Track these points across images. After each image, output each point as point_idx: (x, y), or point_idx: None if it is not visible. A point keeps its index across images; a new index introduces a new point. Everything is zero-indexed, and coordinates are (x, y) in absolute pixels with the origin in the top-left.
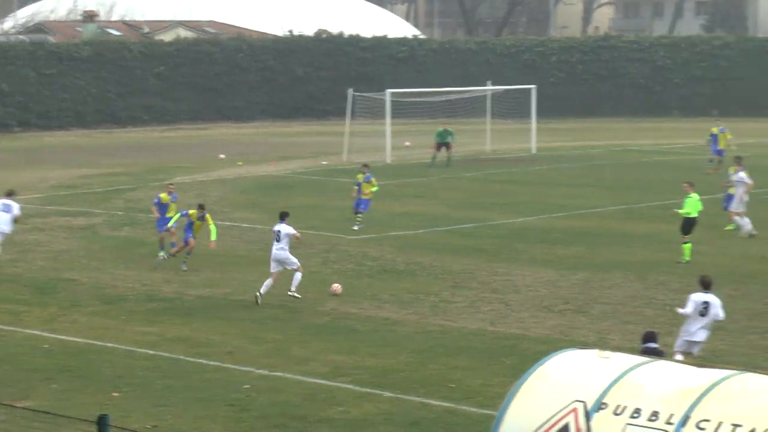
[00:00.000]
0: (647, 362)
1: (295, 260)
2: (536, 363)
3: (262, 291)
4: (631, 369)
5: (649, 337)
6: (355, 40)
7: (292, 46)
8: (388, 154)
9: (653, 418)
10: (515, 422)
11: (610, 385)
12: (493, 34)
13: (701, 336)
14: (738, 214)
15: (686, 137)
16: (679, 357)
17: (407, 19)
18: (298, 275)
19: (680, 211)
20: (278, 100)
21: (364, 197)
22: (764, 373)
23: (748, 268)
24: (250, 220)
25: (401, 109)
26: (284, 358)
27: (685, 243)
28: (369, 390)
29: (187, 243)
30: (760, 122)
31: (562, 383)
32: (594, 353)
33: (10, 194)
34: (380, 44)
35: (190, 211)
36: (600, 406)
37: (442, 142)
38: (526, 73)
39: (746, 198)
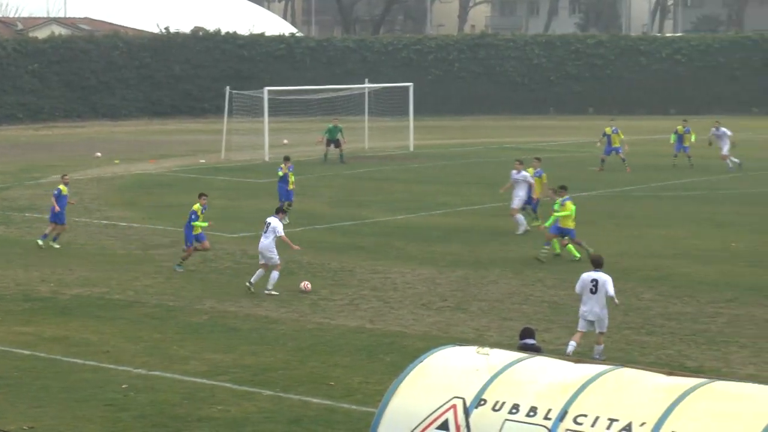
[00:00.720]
0: (525, 358)
1: (276, 257)
2: (415, 360)
3: (252, 281)
4: (510, 365)
5: (527, 333)
6: (233, 38)
7: (169, 44)
8: (267, 152)
9: (531, 413)
10: (395, 419)
11: (489, 382)
12: (370, 32)
13: (594, 314)
14: (517, 212)
15: (562, 135)
16: (572, 343)
17: (284, 17)
18: (275, 274)
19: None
20: (155, 98)
21: (291, 188)
22: (640, 368)
23: (623, 265)
24: (128, 219)
25: (279, 107)
26: (162, 357)
27: (565, 244)
28: (248, 388)
29: (199, 245)
30: (634, 120)
31: (441, 380)
32: (473, 350)
33: None
34: (257, 42)
35: (195, 206)
36: (479, 402)
37: (332, 139)
38: (404, 71)
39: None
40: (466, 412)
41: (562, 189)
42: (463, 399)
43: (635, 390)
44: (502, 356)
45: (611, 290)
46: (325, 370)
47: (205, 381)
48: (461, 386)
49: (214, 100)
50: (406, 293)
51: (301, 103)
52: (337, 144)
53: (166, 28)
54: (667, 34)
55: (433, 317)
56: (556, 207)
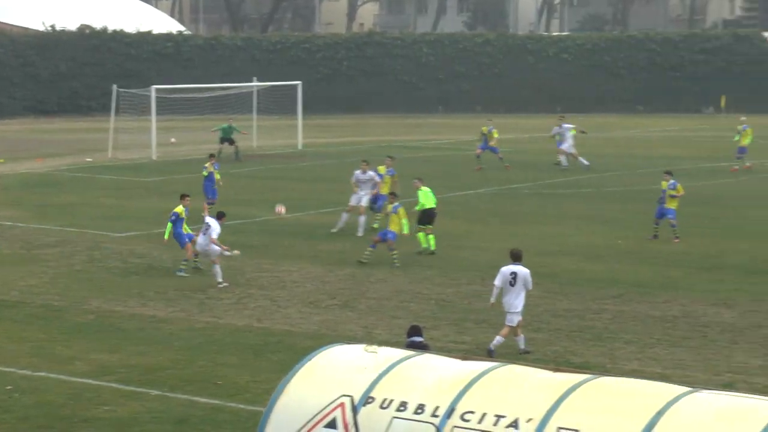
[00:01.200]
0: (413, 356)
1: (215, 250)
2: (303, 358)
3: (219, 279)
4: (398, 363)
5: (415, 331)
6: (120, 36)
7: (54, 42)
8: (154, 150)
9: (419, 410)
10: (283, 418)
11: (377, 379)
12: (259, 30)
13: (516, 306)
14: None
15: (451, 133)
16: (519, 338)
17: (172, 14)
18: (217, 267)
19: (417, 207)
20: (41, 96)
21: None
22: (527, 365)
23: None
24: (13, 218)
25: (167, 106)
26: (47, 358)
27: (428, 234)
28: (135, 388)
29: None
30: (522, 118)
31: (329, 378)
32: (361, 348)
33: None
34: (145, 40)
35: (177, 209)
36: (367, 400)
37: (226, 138)
38: (293, 70)
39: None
40: (354, 410)
41: (393, 195)
42: (351, 397)
43: (522, 386)
44: (390, 354)
45: (530, 283)
46: (212, 370)
47: (91, 381)
48: (349, 384)
49: (101, 98)
50: (293, 292)
51: (189, 101)
52: (232, 142)
53: (52, 26)
54: (554, 33)
55: (321, 315)
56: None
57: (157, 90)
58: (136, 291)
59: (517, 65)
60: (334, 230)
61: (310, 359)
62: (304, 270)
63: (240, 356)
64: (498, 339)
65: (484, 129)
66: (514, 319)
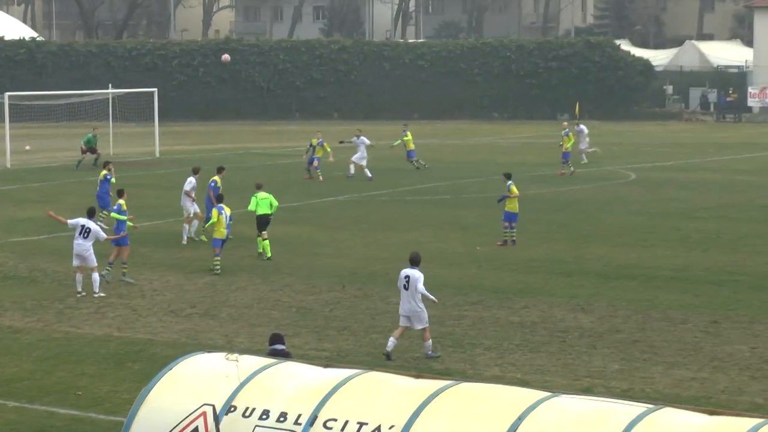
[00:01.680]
0: (275, 364)
1: (93, 260)
2: (164, 367)
3: (79, 288)
4: (260, 371)
5: (276, 338)
6: None
7: None
8: (8, 158)
9: (282, 419)
10: (144, 428)
11: (239, 388)
12: (113, 36)
13: (408, 309)
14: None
15: (309, 140)
16: (391, 339)
17: (24, 20)
18: (96, 276)
19: (249, 208)
20: None
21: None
22: (388, 372)
23: (369, 270)
24: None
25: (21, 113)
26: None
27: (264, 239)
28: None
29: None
30: (379, 125)
31: (191, 387)
32: (222, 356)
33: None
34: None
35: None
36: (229, 408)
37: (89, 147)
38: (148, 76)
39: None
40: (216, 419)
41: (219, 197)
42: (213, 406)
43: (384, 393)
44: (252, 362)
45: (421, 287)
46: (72, 380)
47: None
48: (211, 393)
49: None
50: (153, 300)
51: (43, 108)
52: (93, 151)
53: None
54: (410, 41)
55: (181, 324)
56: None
57: (11, 97)
58: None
59: (373, 72)
60: (183, 242)
61: (171, 368)
62: (163, 278)
63: (100, 366)
64: (391, 341)
65: (314, 141)
66: (408, 322)
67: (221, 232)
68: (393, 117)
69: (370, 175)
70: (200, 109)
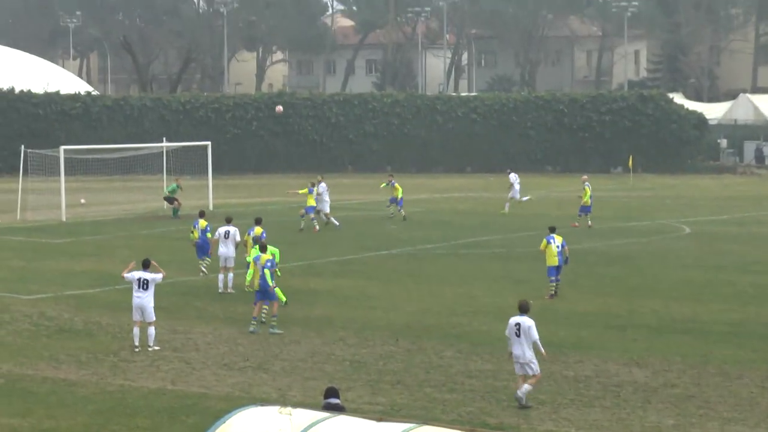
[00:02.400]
0: (328, 417)
1: (152, 313)
2: (218, 421)
3: (136, 342)
4: (313, 425)
5: (331, 392)
6: (27, 96)
7: None
8: (63, 211)
9: None
10: None
11: None
12: (167, 90)
13: (523, 357)
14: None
15: (362, 193)
16: (524, 386)
17: (80, 75)
18: (153, 330)
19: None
20: None
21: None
22: (440, 426)
23: (423, 323)
24: None
25: (76, 166)
26: None
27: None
28: None
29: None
30: (432, 178)
31: None
32: (275, 410)
33: None
34: (52, 100)
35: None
36: None
37: (171, 197)
38: (202, 130)
39: None
40: None
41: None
42: None
43: None
44: (305, 416)
45: (535, 334)
46: None
47: None
48: None
49: (8, 159)
50: (207, 353)
51: (98, 162)
52: (172, 201)
53: None
54: (463, 94)
55: (235, 377)
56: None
57: (66, 150)
58: (47, 354)
59: (426, 125)
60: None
61: (224, 422)
62: (217, 331)
63: (154, 419)
64: (525, 387)
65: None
66: (523, 370)
67: (256, 283)
68: (446, 170)
69: (337, 223)
70: (253, 162)
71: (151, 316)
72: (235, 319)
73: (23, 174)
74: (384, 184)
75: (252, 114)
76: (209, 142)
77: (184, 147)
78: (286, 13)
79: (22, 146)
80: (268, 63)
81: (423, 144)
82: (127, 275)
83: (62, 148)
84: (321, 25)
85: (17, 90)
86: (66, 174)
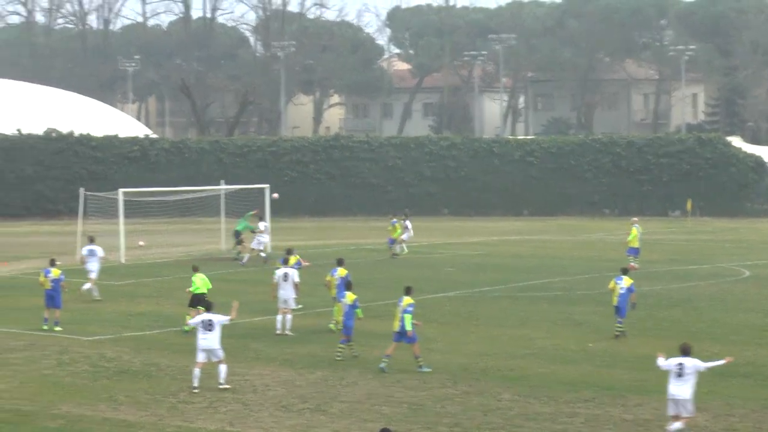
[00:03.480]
0: None
1: (221, 351)
2: None
3: (195, 384)
4: None
5: None
6: (86, 139)
7: (20, 145)
8: (122, 254)
9: None
10: None
11: None
12: (225, 133)
13: (680, 395)
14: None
15: (419, 236)
16: (675, 424)
17: (138, 118)
18: (225, 367)
19: (190, 289)
20: (7, 199)
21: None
22: None
23: (481, 366)
24: None
25: (134, 209)
26: None
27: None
28: None
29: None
30: (489, 221)
31: None
32: None
33: None
34: (111, 143)
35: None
36: None
37: (240, 233)
38: (259, 173)
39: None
40: None
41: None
42: None
43: None
44: None
45: (701, 365)
46: None
47: None
48: None
49: (68, 201)
50: (265, 395)
51: (156, 204)
52: (238, 237)
53: (18, 130)
54: (519, 137)
55: (293, 419)
56: None
57: (125, 193)
58: (106, 395)
59: (483, 168)
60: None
61: None
62: (275, 373)
63: None
64: (676, 425)
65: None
66: (677, 409)
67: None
68: (503, 213)
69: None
70: (310, 204)
71: (220, 354)
72: (292, 360)
73: (83, 216)
74: (394, 225)
75: (309, 157)
76: (267, 185)
77: (241, 190)
78: (342, 57)
79: (82, 189)
80: (325, 106)
81: (480, 187)
82: (192, 322)
83: (121, 190)
84: (377, 69)
85: (77, 133)
86: (125, 216)
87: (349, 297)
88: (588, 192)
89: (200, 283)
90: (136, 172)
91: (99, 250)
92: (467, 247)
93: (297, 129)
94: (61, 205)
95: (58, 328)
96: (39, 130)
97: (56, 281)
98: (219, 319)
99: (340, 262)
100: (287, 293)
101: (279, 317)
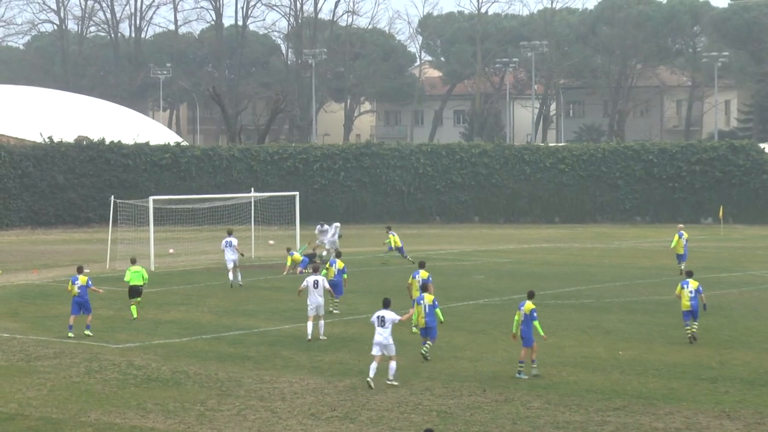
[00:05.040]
0: None
1: (393, 347)
2: None
3: (371, 375)
4: None
5: None
6: (117, 147)
7: (51, 153)
8: (152, 261)
9: None
10: None
11: None
12: (256, 141)
13: None
14: None
15: (448, 243)
16: None
17: (169, 126)
18: (395, 364)
19: (125, 279)
20: (38, 207)
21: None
22: None
23: (511, 373)
24: (11, 330)
25: (165, 216)
26: None
27: (132, 305)
28: None
29: None
30: (519, 228)
31: None
32: None
33: None
34: (142, 151)
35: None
36: None
37: (311, 255)
38: (290, 180)
39: None
40: None
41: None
42: None
43: None
44: None
45: None
46: None
47: None
48: None
49: (98, 209)
50: (294, 403)
51: (186, 212)
52: (313, 257)
53: (49, 137)
54: (551, 144)
55: (321, 427)
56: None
57: (155, 201)
58: (134, 403)
59: (514, 175)
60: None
61: None
62: (304, 381)
63: None
64: None
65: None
66: None
67: (421, 322)
68: (533, 221)
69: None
70: (341, 212)
71: (392, 351)
72: (321, 368)
73: (113, 224)
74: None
75: (340, 164)
76: (297, 193)
77: (271, 197)
78: (374, 65)
79: (112, 196)
80: (356, 113)
81: (511, 194)
82: (374, 318)
83: (151, 198)
84: (409, 76)
85: (107, 141)
86: (155, 224)
87: (428, 298)
88: (619, 199)
89: (132, 275)
90: (167, 180)
91: (235, 241)
92: (498, 254)
93: (328, 136)
94: (92, 212)
95: (88, 332)
96: (70, 138)
97: (83, 288)
98: (391, 317)
99: (421, 265)
100: (318, 299)
101: (310, 324)
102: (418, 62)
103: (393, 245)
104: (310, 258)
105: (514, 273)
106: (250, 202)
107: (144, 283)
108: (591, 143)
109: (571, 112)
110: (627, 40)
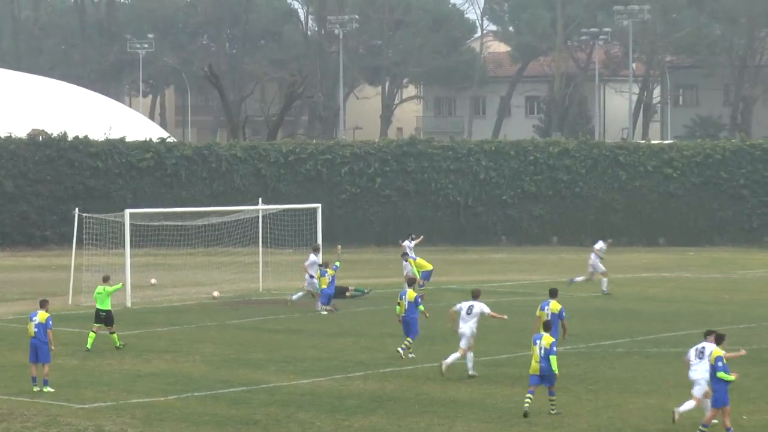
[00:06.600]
0: None
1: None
2: None
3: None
4: None
5: None
6: (83, 144)
7: None
8: (128, 295)
9: None
10: None
11: None
12: (265, 136)
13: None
14: None
15: (519, 272)
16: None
17: (152, 116)
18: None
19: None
20: None
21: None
22: None
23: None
24: None
25: (145, 236)
26: None
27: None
28: None
29: None
30: (612, 253)
31: None
32: None
33: None
34: (116, 150)
35: None
36: None
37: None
38: (310, 189)
39: None
40: None
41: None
42: None
43: None
44: None
45: None
46: None
47: None
48: None
49: (58, 226)
50: None
51: (174, 230)
52: (344, 291)
53: None
54: (654, 141)
55: None
56: None
57: (133, 215)
58: None
59: (605, 183)
60: None
61: None
62: None
63: None
64: None
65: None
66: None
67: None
68: (630, 242)
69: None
70: (377, 230)
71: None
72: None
73: (77, 245)
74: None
75: (375, 168)
76: (319, 205)
77: (285, 211)
78: (421, 36)
79: (76, 209)
80: (396, 101)
81: (600, 208)
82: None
83: (127, 211)
84: (467, 52)
85: (70, 136)
86: (133, 246)
87: (546, 340)
88: (744, 215)
89: (96, 297)
90: (149, 188)
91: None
92: (583, 287)
93: (360, 131)
94: (50, 230)
95: (48, 389)
96: (22, 133)
97: (41, 326)
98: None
99: (553, 294)
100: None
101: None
102: (479, 33)
103: (416, 270)
104: (340, 291)
105: (605, 311)
106: (257, 217)
107: (109, 297)
108: (707, 140)
109: (680, 99)
110: (756, 4)
